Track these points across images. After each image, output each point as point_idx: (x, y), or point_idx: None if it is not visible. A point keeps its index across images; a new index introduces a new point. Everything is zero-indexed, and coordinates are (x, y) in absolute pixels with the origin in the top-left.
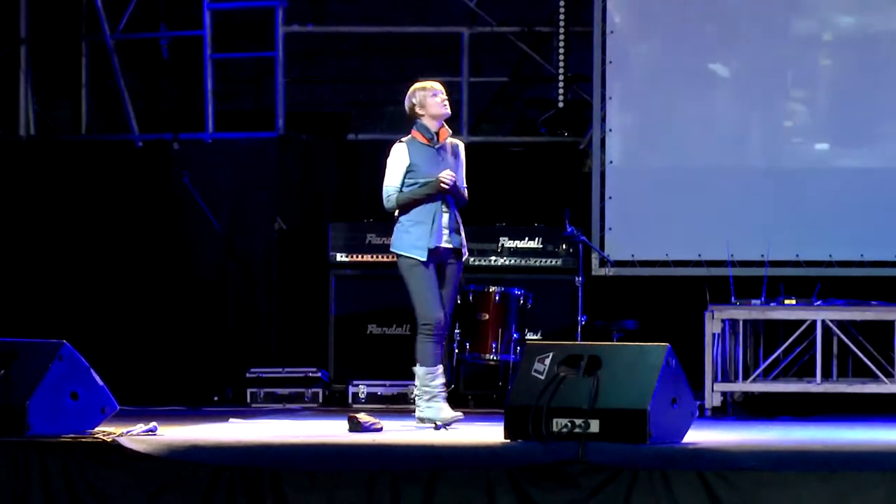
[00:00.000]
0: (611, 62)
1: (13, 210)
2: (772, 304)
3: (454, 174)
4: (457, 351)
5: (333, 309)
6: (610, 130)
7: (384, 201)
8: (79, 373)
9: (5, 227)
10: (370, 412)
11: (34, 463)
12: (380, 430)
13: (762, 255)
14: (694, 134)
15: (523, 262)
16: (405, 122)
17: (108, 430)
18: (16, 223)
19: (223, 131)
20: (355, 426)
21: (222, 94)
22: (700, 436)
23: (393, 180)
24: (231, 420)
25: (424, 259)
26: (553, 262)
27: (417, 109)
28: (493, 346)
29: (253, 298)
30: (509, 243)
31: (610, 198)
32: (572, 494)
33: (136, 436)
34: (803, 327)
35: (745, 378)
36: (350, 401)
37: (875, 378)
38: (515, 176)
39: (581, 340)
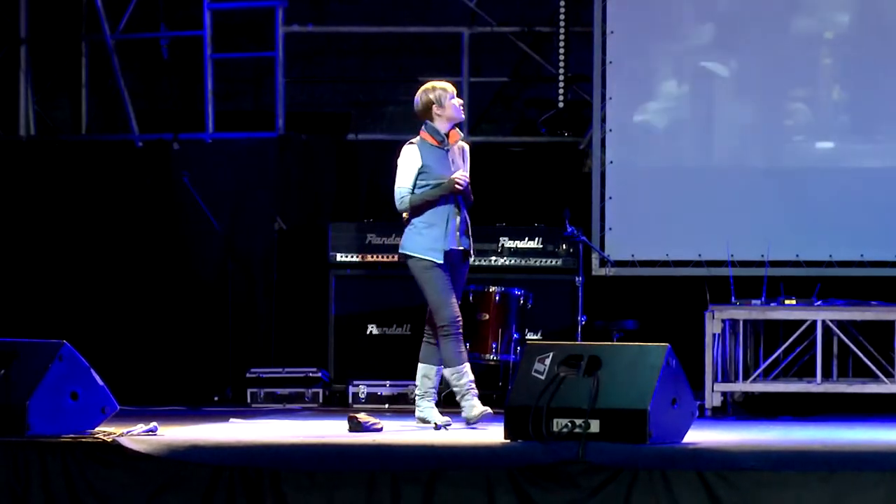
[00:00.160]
0: (611, 62)
1: (13, 210)
2: (772, 305)
3: (467, 175)
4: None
5: (333, 309)
6: (610, 130)
7: (397, 203)
8: (79, 373)
9: (5, 227)
10: (370, 412)
11: (34, 463)
12: (380, 430)
13: (762, 255)
14: (694, 134)
15: (523, 262)
16: (405, 121)
17: (108, 430)
18: (16, 223)
19: (223, 131)
20: (355, 426)
21: (222, 94)
22: (700, 436)
23: (405, 182)
24: (231, 420)
25: (441, 262)
26: (553, 263)
27: (435, 108)
28: (494, 346)
29: (253, 298)
30: (509, 243)
31: (610, 198)
32: (572, 494)
33: (137, 436)
34: (803, 327)
35: (746, 378)
36: (350, 401)
37: (875, 378)
38: (515, 176)
39: (581, 340)
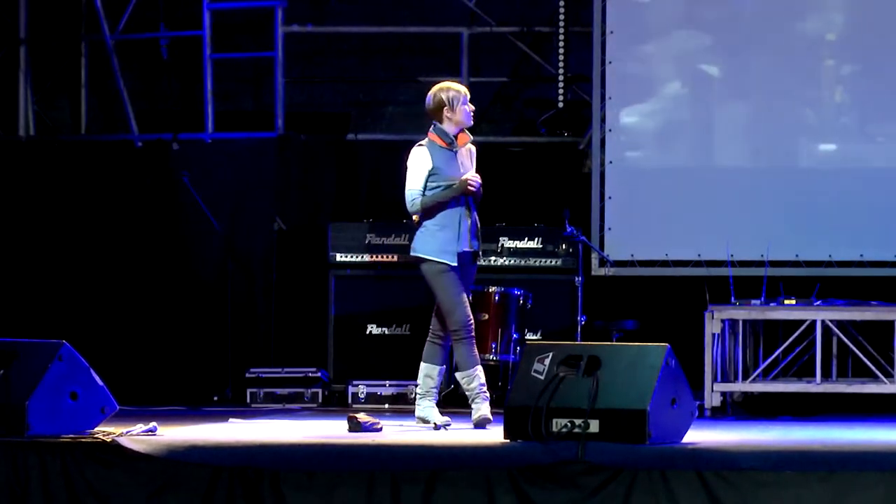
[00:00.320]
0: (610, 62)
1: (13, 210)
2: (771, 305)
3: (478, 176)
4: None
5: (333, 309)
6: (609, 130)
7: (408, 205)
8: (78, 373)
9: (5, 228)
10: (370, 412)
11: (34, 463)
12: (379, 430)
13: (762, 255)
14: (693, 134)
15: (523, 262)
16: (405, 121)
17: (107, 431)
18: (15, 223)
19: (223, 131)
20: (355, 426)
21: (222, 94)
22: (700, 436)
23: (416, 183)
24: (231, 420)
25: (455, 264)
26: (553, 263)
27: (446, 111)
28: (493, 346)
29: (252, 298)
30: (509, 243)
31: (609, 198)
32: (572, 494)
33: (136, 436)
34: (803, 327)
35: (745, 378)
36: (350, 401)
37: (874, 378)
38: (515, 176)
39: (581, 340)
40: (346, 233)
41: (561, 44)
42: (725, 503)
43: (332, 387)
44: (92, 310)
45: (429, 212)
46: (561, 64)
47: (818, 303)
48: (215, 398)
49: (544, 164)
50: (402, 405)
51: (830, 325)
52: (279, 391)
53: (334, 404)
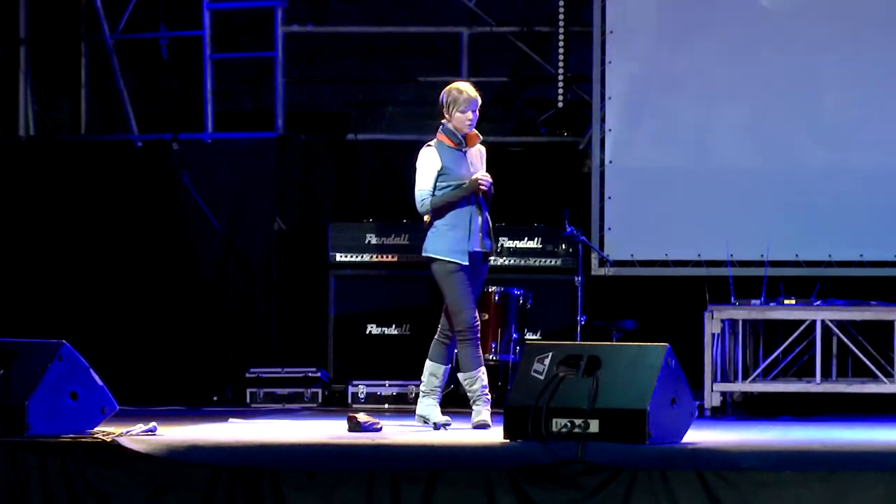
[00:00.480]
0: (610, 62)
1: (13, 210)
2: (771, 304)
3: (489, 175)
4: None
5: (333, 309)
6: (609, 130)
7: (418, 205)
8: (78, 373)
9: (5, 228)
10: (369, 412)
11: (34, 463)
12: (379, 430)
13: (762, 255)
14: (693, 134)
15: (523, 262)
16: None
17: (107, 430)
18: (15, 223)
19: (223, 131)
20: (354, 426)
21: (222, 94)
22: (699, 436)
23: (425, 184)
24: (230, 420)
25: (466, 263)
26: (552, 262)
27: (444, 111)
28: (493, 346)
29: (252, 298)
30: (509, 243)
31: (609, 198)
32: (572, 494)
33: (136, 436)
34: (803, 327)
35: (745, 378)
36: (349, 401)
37: (874, 378)
38: (515, 176)
39: (580, 340)
40: (346, 233)
41: (561, 44)
42: (725, 503)
43: (332, 387)
44: (92, 310)
45: (439, 212)
46: (561, 64)
47: (818, 303)
48: (215, 398)
49: (544, 164)
50: (402, 405)
51: (830, 324)
52: (279, 391)
53: (334, 404)
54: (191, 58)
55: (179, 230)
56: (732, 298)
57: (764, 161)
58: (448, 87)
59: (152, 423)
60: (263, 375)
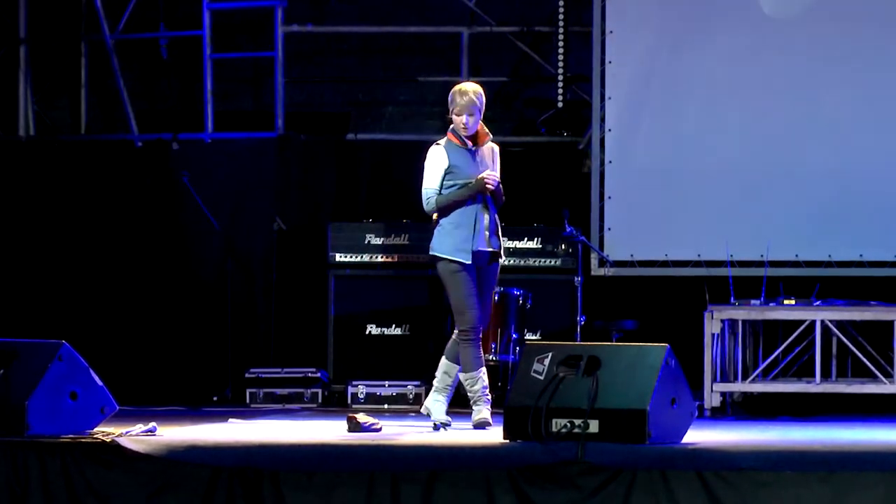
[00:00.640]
0: (610, 62)
1: (12, 210)
2: (771, 305)
3: (495, 173)
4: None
5: (333, 309)
6: (609, 130)
7: (424, 204)
8: (78, 373)
9: (5, 228)
10: (369, 412)
11: (33, 463)
12: (379, 430)
13: (761, 256)
14: (693, 134)
15: (522, 262)
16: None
17: (107, 431)
18: (15, 223)
19: (222, 131)
20: (354, 426)
21: (221, 94)
22: (699, 436)
23: (432, 182)
24: (230, 420)
25: (469, 262)
26: (552, 263)
27: (449, 112)
28: (493, 346)
29: (252, 298)
30: (508, 243)
31: (609, 198)
32: (572, 495)
33: (136, 436)
34: (802, 327)
35: (745, 378)
36: (349, 401)
37: (874, 378)
38: (514, 176)
39: (580, 341)
40: (346, 233)
41: (561, 44)
42: (725, 503)
43: (332, 387)
44: (92, 310)
45: (444, 210)
46: (561, 64)
47: (818, 303)
48: (215, 398)
49: (544, 164)
50: (402, 405)
51: (830, 325)
52: (279, 391)
53: (334, 404)
54: (191, 58)
55: (179, 230)
56: (732, 298)
57: (764, 161)
58: (452, 91)
59: (152, 424)
60: (263, 376)
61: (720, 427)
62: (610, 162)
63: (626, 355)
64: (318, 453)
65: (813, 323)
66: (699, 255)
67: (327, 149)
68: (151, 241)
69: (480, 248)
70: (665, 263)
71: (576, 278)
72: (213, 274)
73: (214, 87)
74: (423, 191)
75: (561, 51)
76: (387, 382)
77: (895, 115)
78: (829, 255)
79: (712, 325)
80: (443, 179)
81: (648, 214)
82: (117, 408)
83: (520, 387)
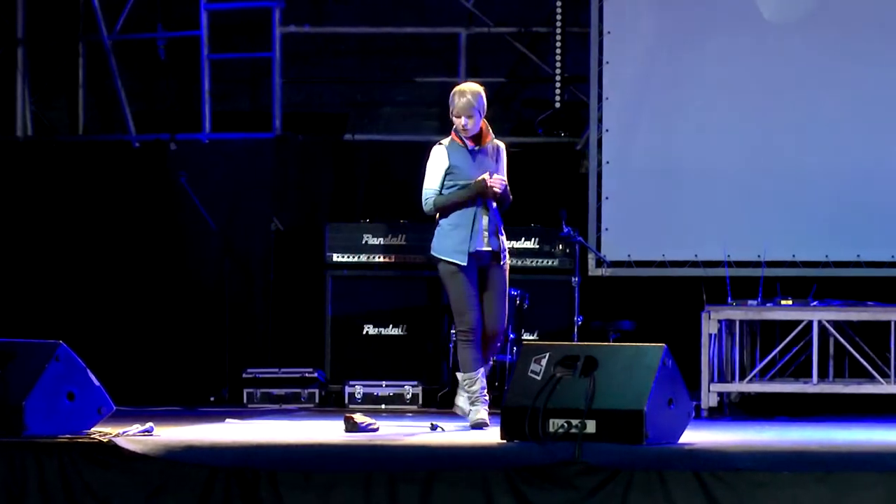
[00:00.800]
0: (608, 63)
1: (10, 211)
2: (768, 305)
3: (502, 177)
4: (452, 351)
5: (330, 309)
6: (607, 131)
7: (423, 204)
8: (75, 373)
9: (2, 228)
10: (366, 413)
11: (31, 464)
12: (376, 430)
13: (759, 256)
14: (690, 134)
15: (520, 262)
16: (402, 122)
17: (104, 431)
18: (13, 224)
19: (220, 132)
20: (351, 427)
21: (219, 95)
22: (697, 436)
23: (432, 183)
24: (227, 420)
25: (465, 263)
26: (549, 263)
27: (450, 113)
28: None
29: (250, 299)
30: (506, 243)
31: (606, 198)
32: (569, 495)
33: (133, 436)
34: (800, 328)
35: (742, 378)
36: (346, 401)
37: (871, 378)
38: (512, 176)
39: (577, 341)
40: (343, 233)
41: (558, 44)
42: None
43: (329, 387)
44: (89, 310)
45: (444, 211)
46: (558, 64)
47: (815, 303)
48: (212, 398)
49: (541, 165)
50: (399, 405)
51: (827, 325)
52: (276, 391)
53: (331, 405)
54: (188, 58)
55: (177, 230)
56: (729, 299)
57: (761, 162)
58: (452, 92)
59: (149, 424)
60: (260, 376)
61: (717, 427)
62: (607, 162)
63: (624, 356)
64: (316, 453)
65: (810, 323)
66: (696, 256)
67: (325, 149)
68: (149, 242)
69: (479, 249)
70: (662, 264)
71: (573, 278)
72: (211, 274)
73: (212, 88)
74: (423, 191)
75: (558, 51)
76: (384, 382)
77: (891, 117)
78: (827, 256)
79: (709, 326)
80: (443, 180)
81: (646, 215)
82: (114, 408)
83: (517, 387)
